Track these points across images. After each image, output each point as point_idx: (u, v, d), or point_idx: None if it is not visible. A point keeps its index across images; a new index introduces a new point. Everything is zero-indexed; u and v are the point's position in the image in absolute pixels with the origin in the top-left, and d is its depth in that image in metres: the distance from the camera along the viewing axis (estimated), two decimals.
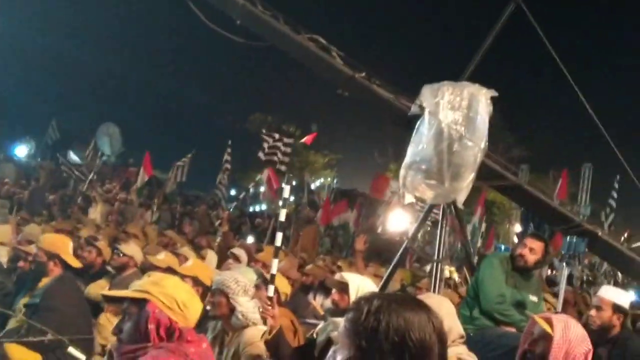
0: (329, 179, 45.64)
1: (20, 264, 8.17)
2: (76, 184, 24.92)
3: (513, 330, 6.80)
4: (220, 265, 10.63)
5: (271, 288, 5.58)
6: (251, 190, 30.80)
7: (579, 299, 12.43)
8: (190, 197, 32.76)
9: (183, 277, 6.93)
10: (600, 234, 9.55)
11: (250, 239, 20.49)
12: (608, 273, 21.04)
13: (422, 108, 7.56)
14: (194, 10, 8.48)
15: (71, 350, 5.52)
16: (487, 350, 6.13)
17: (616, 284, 18.90)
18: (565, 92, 9.47)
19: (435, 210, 8.83)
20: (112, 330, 3.54)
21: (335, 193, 33.54)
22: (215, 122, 50.84)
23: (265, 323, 5.53)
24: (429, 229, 18.59)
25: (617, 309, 6.35)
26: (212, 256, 11.08)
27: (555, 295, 10.11)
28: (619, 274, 19.54)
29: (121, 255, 8.61)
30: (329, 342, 5.09)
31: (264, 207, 32.91)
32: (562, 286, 8.61)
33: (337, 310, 5.22)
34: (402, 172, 7.79)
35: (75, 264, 7.40)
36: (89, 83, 49.33)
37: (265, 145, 19.41)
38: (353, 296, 5.11)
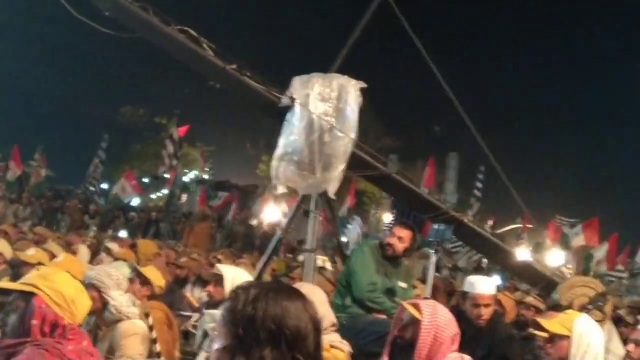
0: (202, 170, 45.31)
1: None
2: None
3: (384, 317, 6.92)
4: (92, 259, 10.41)
5: None
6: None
7: (447, 285, 12.84)
8: (62, 191, 31.89)
9: None
10: (465, 220, 9.87)
11: (123, 233, 20.19)
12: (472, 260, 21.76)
13: (292, 100, 7.60)
14: (61, 1, 8.20)
15: None
16: (359, 338, 6.20)
17: (480, 269, 19.58)
18: (431, 83, 9.74)
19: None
20: None
21: (209, 185, 33.40)
22: (87, 115, 49.47)
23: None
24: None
25: (495, 299, 6.52)
26: (84, 250, 10.83)
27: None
28: (484, 260, 20.22)
29: None
30: (206, 335, 5.06)
31: (137, 201, 32.36)
32: (431, 273, 8.82)
33: (212, 303, 5.19)
34: (274, 163, 7.82)
35: None
36: None
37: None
38: (228, 288, 5.08)
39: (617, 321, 8.46)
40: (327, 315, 4.93)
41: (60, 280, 3.48)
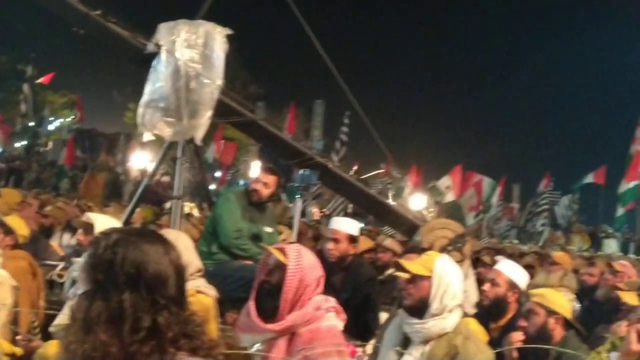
0: (68, 118, 43.83)
1: None
2: None
3: (251, 263, 7.02)
4: None
5: None
6: None
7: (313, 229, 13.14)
8: None
9: None
10: (330, 166, 10.05)
11: None
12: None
13: (158, 46, 7.51)
14: None
15: None
16: (226, 284, 6.27)
17: (347, 214, 19.96)
18: (297, 31, 9.78)
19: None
20: None
21: (76, 132, 32.47)
22: None
23: None
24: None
25: (351, 239, 6.72)
26: None
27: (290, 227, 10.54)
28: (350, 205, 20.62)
29: None
30: (74, 283, 5.03)
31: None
32: (297, 218, 8.97)
33: (82, 251, 5.16)
34: (139, 110, 7.73)
35: None
36: None
37: None
38: None
39: (476, 262, 8.89)
40: (193, 261, 4.99)
41: None
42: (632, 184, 22.65)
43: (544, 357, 4.83)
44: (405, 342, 4.52)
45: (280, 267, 4.04)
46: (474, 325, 5.42)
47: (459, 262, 6.13)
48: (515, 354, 4.94)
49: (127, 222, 8.20)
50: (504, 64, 65.84)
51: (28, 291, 6.02)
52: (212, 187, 21.42)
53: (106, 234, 2.18)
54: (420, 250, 6.19)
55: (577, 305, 5.49)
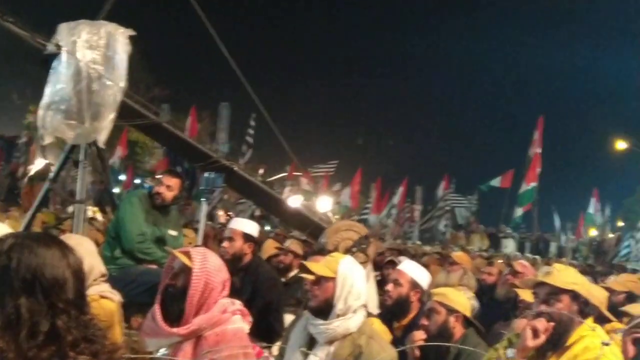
0: None
1: None
2: None
3: (155, 267, 6.96)
4: None
5: None
6: None
7: (218, 232, 13.08)
8: None
9: None
10: (236, 169, 10.04)
11: None
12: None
13: (59, 47, 7.35)
14: None
15: None
16: (130, 289, 6.17)
17: (254, 217, 19.98)
18: (202, 33, 9.74)
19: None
20: None
21: None
22: None
23: None
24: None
25: (247, 238, 6.77)
26: None
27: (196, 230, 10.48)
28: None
29: None
30: None
31: None
32: (203, 221, 8.94)
33: None
34: (40, 112, 7.54)
35: None
36: None
37: None
38: None
39: (389, 263, 8.97)
40: (96, 265, 4.92)
41: None
42: (530, 186, 23.39)
43: (445, 355, 4.95)
44: (311, 343, 4.55)
45: (186, 271, 4.03)
46: (378, 325, 5.52)
47: (363, 263, 6.21)
48: (417, 352, 5.05)
49: (28, 226, 8.00)
50: (407, 65, 67.11)
51: None
52: (116, 190, 21.05)
53: (1, 239, 2.15)
54: (326, 252, 6.24)
55: (477, 304, 5.61)
